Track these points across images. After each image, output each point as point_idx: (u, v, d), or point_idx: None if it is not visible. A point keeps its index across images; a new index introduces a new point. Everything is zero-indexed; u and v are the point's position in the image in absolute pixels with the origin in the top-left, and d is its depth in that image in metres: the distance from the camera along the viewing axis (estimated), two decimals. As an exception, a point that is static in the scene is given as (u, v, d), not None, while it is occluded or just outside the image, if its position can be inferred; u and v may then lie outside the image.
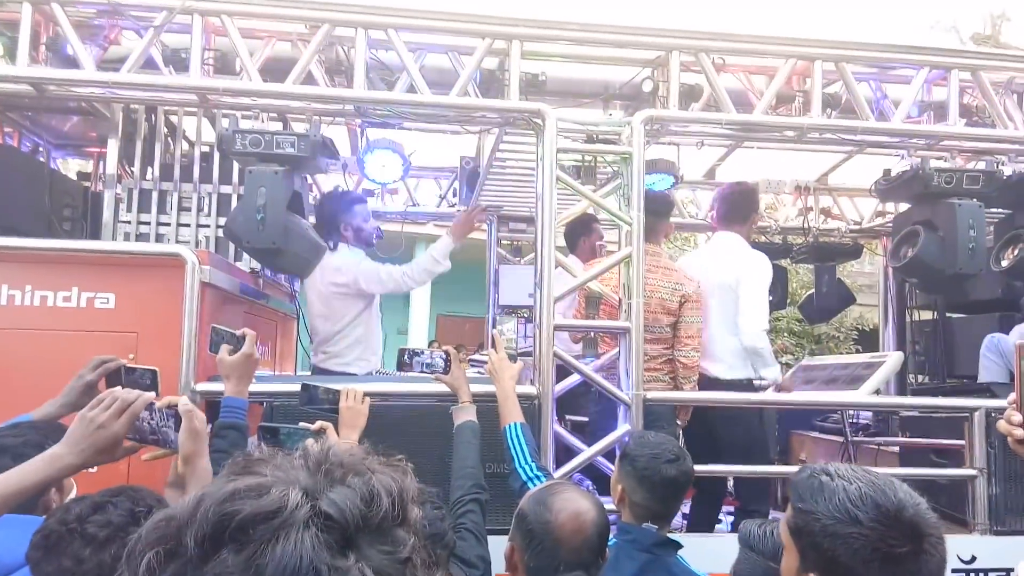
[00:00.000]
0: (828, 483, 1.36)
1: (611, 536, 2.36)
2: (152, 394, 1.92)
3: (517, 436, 2.76)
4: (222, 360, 2.53)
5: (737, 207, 4.25)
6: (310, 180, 5.29)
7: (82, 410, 1.71)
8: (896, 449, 4.48)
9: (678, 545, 2.30)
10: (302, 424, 2.63)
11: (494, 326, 6.01)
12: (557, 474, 3.21)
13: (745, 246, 4.12)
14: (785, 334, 11.86)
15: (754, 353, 3.90)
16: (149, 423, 1.91)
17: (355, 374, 4.22)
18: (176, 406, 1.93)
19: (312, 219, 4.12)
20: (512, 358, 3.14)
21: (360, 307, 4.36)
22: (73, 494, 2.16)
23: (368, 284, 4.23)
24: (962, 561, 3.39)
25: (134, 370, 2.49)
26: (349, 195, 4.63)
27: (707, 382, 3.95)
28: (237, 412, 2.48)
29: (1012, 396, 1.47)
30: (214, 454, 2.29)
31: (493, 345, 3.24)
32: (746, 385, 4.01)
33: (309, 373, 4.49)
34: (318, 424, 2.59)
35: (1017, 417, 1.44)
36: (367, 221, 4.41)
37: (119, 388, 1.80)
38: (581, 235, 4.72)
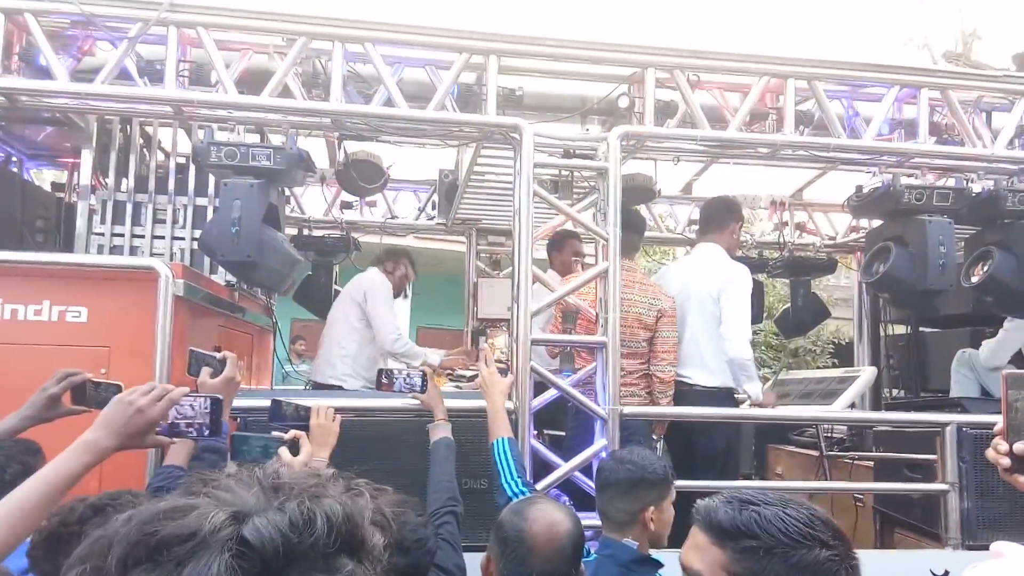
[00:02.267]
0: (765, 512, 1.17)
1: (591, 551, 2.38)
2: (188, 388, 2.00)
3: (504, 452, 2.79)
4: (204, 383, 2.56)
5: (712, 217, 4.32)
6: (287, 192, 5.28)
7: (119, 394, 1.78)
8: (870, 463, 4.52)
9: (659, 564, 2.31)
10: (275, 433, 2.61)
11: (484, 340, 6.02)
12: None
13: (724, 257, 4.15)
14: (762, 348, 11.94)
15: (739, 367, 3.91)
16: (183, 416, 1.98)
17: (340, 387, 4.29)
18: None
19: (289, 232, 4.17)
20: (503, 372, 3.17)
21: (355, 323, 4.46)
22: None
23: (375, 319, 4.43)
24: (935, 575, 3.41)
25: (99, 384, 2.46)
26: None
27: (689, 391, 3.97)
28: (219, 438, 2.49)
29: (999, 426, 1.48)
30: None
31: (484, 360, 3.25)
32: (727, 393, 4.05)
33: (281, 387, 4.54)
34: (291, 433, 2.58)
35: (1003, 446, 1.45)
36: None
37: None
38: (553, 250, 4.76)
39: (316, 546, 0.67)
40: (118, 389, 2.45)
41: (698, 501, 1.27)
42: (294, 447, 2.46)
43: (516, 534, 1.92)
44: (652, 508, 2.36)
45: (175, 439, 2.04)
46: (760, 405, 4.01)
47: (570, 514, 2.01)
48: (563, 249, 4.78)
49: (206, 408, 2.01)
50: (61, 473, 1.59)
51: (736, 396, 4.21)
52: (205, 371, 2.57)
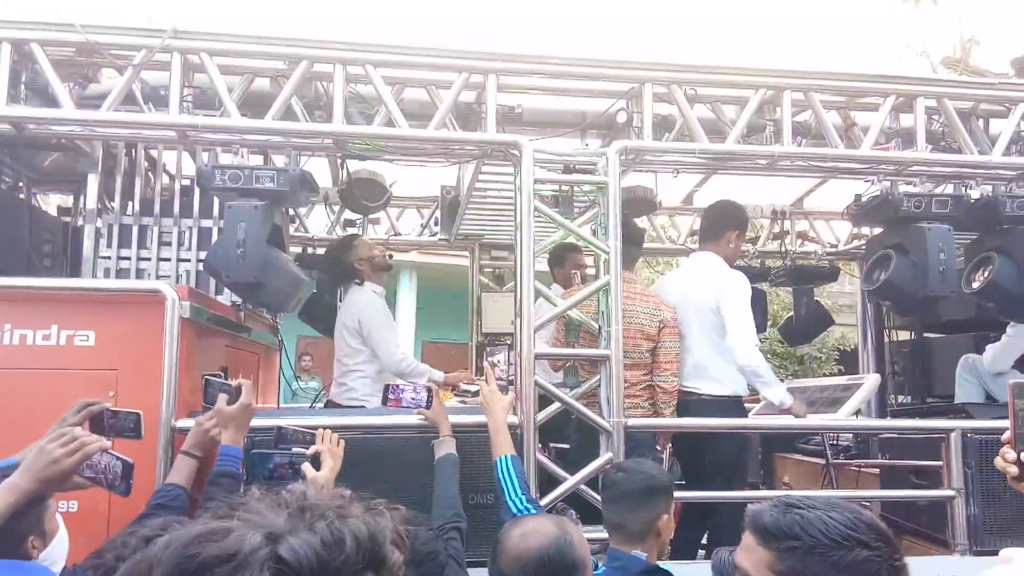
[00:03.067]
0: (808, 515, 1.25)
1: (601, 564, 2.40)
2: (108, 442, 2.12)
3: (508, 469, 2.82)
4: (221, 411, 2.68)
5: (708, 225, 4.30)
6: (291, 212, 5.33)
7: (40, 441, 1.93)
8: (876, 471, 4.52)
9: (669, 574, 2.33)
10: (296, 449, 2.66)
11: (486, 357, 6.05)
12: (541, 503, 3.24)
13: (720, 265, 4.12)
14: (768, 356, 11.94)
15: (752, 374, 3.87)
16: (98, 466, 2.10)
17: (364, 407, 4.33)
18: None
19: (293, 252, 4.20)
20: (504, 389, 3.20)
21: (358, 345, 4.48)
22: (59, 537, 2.18)
23: (376, 346, 4.40)
24: (942, 582, 3.41)
25: (117, 413, 2.52)
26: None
27: (697, 401, 3.95)
28: (233, 461, 2.61)
29: (1007, 434, 1.50)
30: (208, 503, 2.39)
31: (485, 378, 3.27)
32: (735, 401, 4.02)
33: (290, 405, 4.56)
34: (313, 449, 2.63)
35: (1011, 455, 1.47)
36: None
37: (79, 429, 2.02)
38: (555, 265, 4.78)
39: (346, 564, 0.71)
40: (136, 417, 2.54)
41: (749, 506, 1.35)
42: (315, 462, 2.52)
43: (500, 535, 2.00)
44: (665, 516, 2.39)
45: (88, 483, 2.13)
46: (789, 411, 3.91)
47: (556, 536, 1.92)
48: (565, 263, 4.81)
49: (117, 469, 2.14)
50: None
51: (745, 404, 4.21)
52: (222, 398, 2.67)
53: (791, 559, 1.23)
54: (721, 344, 3.94)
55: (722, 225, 4.22)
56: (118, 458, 2.14)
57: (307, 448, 2.71)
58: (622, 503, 2.44)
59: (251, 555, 0.68)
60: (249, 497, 0.78)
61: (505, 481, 2.78)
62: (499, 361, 3.19)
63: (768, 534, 1.27)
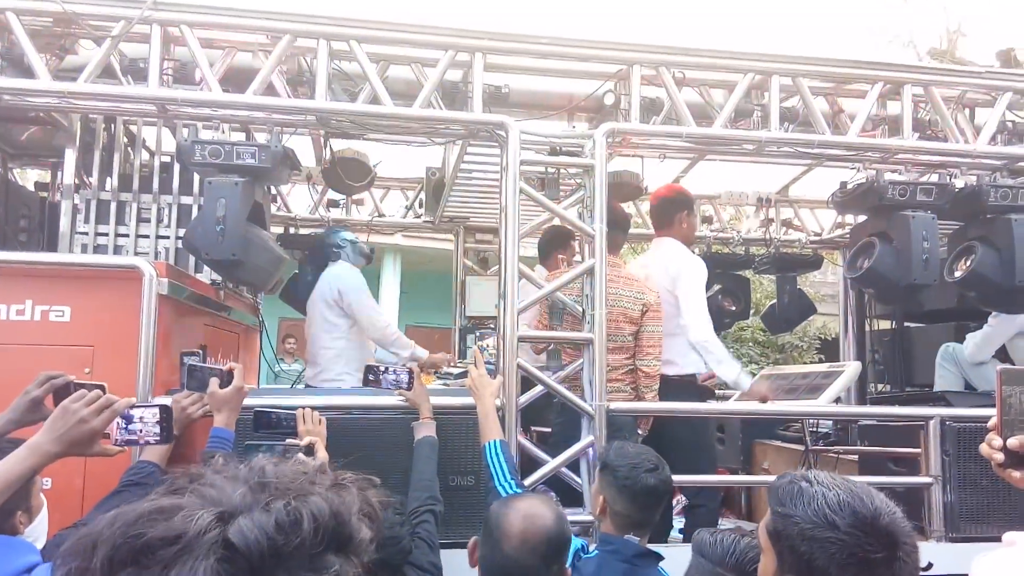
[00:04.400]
0: (807, 489, 1.40)
1: (592, 548, 2.40)
2: (134, 399, 2.08)
3: (496, 454, 2.80)
4: (214, 393, 2.64)
5: (658, 214, 4.39)
6: (273, 191, 5.26)
7: (65, 401, 1.81)
8: (855, 457, 4.55)
9: (659, 556, 2.35)
10: (290, 441, 2.62)
11: (476, 341, 6.02)
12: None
13: (678, 249, 4.20)
14: (750, 344, 12.00)
15: (704, 350, 3.94)
16: (131, 426, 2.04)
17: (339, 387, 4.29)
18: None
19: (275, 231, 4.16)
20: (492, 374, 3.18)
21: (336, 320, 4.44)
22: (43, 514, 2.15)
23: (359, 313, 4.34)
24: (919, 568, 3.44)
25: (83, 385, 2.47)
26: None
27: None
28: (225, 443, 2.58)
29: (993, 421, 1.50)
30: None
31: (475, 362, 3.25)
32: (690, 380, 4.10)
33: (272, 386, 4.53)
34: (306, 440, 2.60)
35: (997, 442, 1.47)
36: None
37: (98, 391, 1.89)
38: (556, 249, 4.72)
39: (303, 546, 0.68)
40: (102, 389, 2.47)
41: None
42: (309, 452, 2.49)
43: (496, 519, 1.95)
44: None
45: (124, 448, 2.08)
46: (755, 397, 3.97)
47: (556, 514, 2.01)
48: (566, 250, 4.72)
49: (156, 417, 2.06)
50: (7, 472, 1.64)
51: (705, 384, 4.30)
52: (214, 382, 2.63)
53: (778, 521, 1.42)
54: (675, 325, 3.99)
55: (669, 211, 4.31)
56: (148, 406, 2.09)
57: (293, 433, 2.69)
58: (655, 502, 2.43)
59: (197, 538, 0.65)
60: (210, 467, 0.75)
61: (494, 466, 2.77)
62: (489, 346, 3.16)
63: (773, 498, 1.44)
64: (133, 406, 2.02)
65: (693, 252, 4.46)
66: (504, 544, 1.90)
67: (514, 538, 1.90)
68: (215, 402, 2.63)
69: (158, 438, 2.12)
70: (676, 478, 3.06)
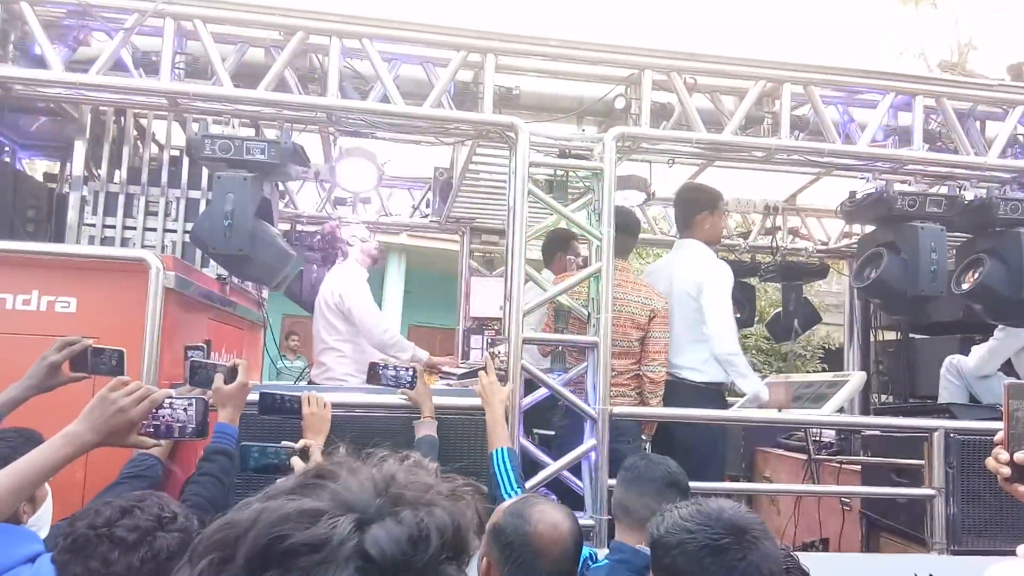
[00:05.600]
0: (666, 514, 1.68)
1: (603, 556, 2.39)
2: (172, 391, 2.08)
3: (504, 462, 2.80)
4: (219, 389, 2.64)
5: (679, 215, 4.33)
6: (281, 187, 5.27)
7: (102, 391, 1.79)
8: (858, 468, 4.53)
9: None
10: (285, 443, 2.62)
11: (487, 347, 6.01)
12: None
13: (703, 253, 4.12)
14: (753, 352, 11.97)
15: (727, 363, 3.88)
16: (171, 418, 2.03)
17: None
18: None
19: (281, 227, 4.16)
20: (503, 380, 3.17)
21: (338, 323, 4.44)
22: (47, 504, 2.15)
23: (359, 317, 4.34)
24: (919, 580, 3.43)
25: (102, 351, 2.47)
26: None
27: (678, 384, 3.95)
28: (229, 439, 2.58)
29: (1000, 435, 1.49)
30: (201, 477, 2.36)
31: (486, 368, 3.24)
32: (716, 389, 4.02)
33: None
34: (301, 443, 2.59)
35: (1004, 456, 1.47)
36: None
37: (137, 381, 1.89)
38: (558, 251, 4.71)
39: (430, 561, 0.69)
40: (120, 355, 2.48)
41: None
42: (304, 455, 2.49)
43: (521, 538, 1.91)
44: None
45: (161, 441, 2.07)
46: (765, 404, 3.93)
47: (568, 512, 2.03)
48: (567, 251, 4.72)
49: (192, 409, 2.04)
50: (43, 461, 1.63)
51: (726, 395, 4.21)
52: (219, 377, 2.63)
53: (659, 553, 1.66)
54: (700, 332, 3.95)
55: (689, 211, 4.23)
56: (185, 399, 2.06)
57: (298, 416, 2.69)
58: (635, 486, 2.42)
59: (339, 547, 0.66)
60: (340, 461, 0.77)
61: (501, 474, 2.76)
62: (500, 352, 3.15)
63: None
64: (170, 398, 2.00)
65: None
66: (541, 560, 1.88)
67: (551, 552, 1.89)
68: (220, 398, 2.63)
69: (193, 433, 2.11)
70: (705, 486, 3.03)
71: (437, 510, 0.72)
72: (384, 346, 4.43)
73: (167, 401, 1.97)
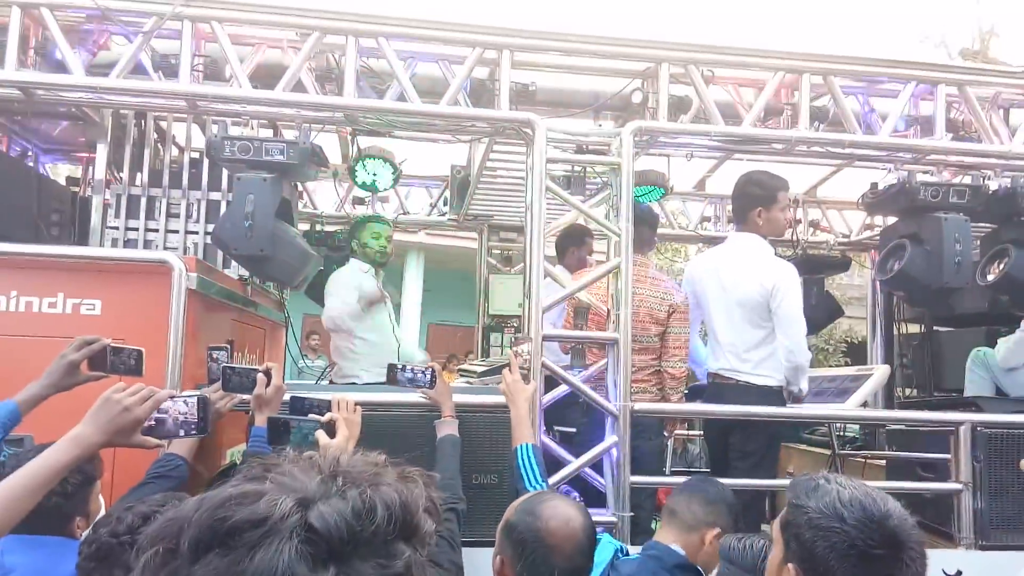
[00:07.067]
0: (824, 485, 1.47)
1: (634, 553, 2.39)
2: (173, 390, 2.05)
3: (528, 457, 2.80)
4: (260, 395, 2.66)
5: (735, 207, 4.05)
6: (300, 188, 5.30)
7: (106, 392, 1.84)
8: (883, 462, 4.49)
9: (700, 573, 2.32)
10: (312, 416, 2.64)
11: (511, 346, 6.02)
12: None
13: (763, 252, 3.84)
14: (774, 346, 11.91)
15: (802, 372, 3.72)
16: (175, 415, 2.08)
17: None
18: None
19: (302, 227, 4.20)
20: (526, 378, 3.17)
21: (360, 319, 4.47)
22: (102, 514, 2.18)
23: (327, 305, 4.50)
24: (947, 575, 3.39)
25: (120, 350, 2.48)
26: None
27: (742, 388, 3.76)
28: (264, 444, 2.58)
29: None
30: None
31: (509, 367, 3.23)
32: (778, 392, 3.80)
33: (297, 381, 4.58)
34: (327, 416, 2.60)
35: None
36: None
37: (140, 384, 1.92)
38: (571, 246, 4.71)
39: (377, 533, 0.70)
40: (139, 354, 2.50)
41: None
42: (330, 430, 2.49)
43: (533, 535, 1.91)
44: (717, 531, 2.38)
45: (163, 441, 2.10)
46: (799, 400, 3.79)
47: (579, 507, 2.02)
48: (581, 246, 4.71)
49: (194, 407, 2.07)
50: (51, 464, 1.66)
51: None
52: (262, 381, 2.65)
53: (791, 512, 1.48)
54: (763, 335, 3.74)
55: (743, 206, 3.94)
56: (187, 398, 2.10)
57: (321, 416, 2.70)
58: (689, 493, 2.49)
59: (281, 521, 0.67)
60: (283, 458, 0.78)
61: (526, 469, 2.76)
62: (524, 351, 3.13)
63: (791, 492, 1.51)
64: (172, 397, 2.04)
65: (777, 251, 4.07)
66: (555, 556, 1.88)
67: (564, 547, 1.89)
68: (260, 402, 2.65)
69: (195, 429, 2.14)
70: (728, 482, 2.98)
71: (383, 487, 0.73)
72: (336, 329, 4.57)
73: (170, 400, 2.01)
